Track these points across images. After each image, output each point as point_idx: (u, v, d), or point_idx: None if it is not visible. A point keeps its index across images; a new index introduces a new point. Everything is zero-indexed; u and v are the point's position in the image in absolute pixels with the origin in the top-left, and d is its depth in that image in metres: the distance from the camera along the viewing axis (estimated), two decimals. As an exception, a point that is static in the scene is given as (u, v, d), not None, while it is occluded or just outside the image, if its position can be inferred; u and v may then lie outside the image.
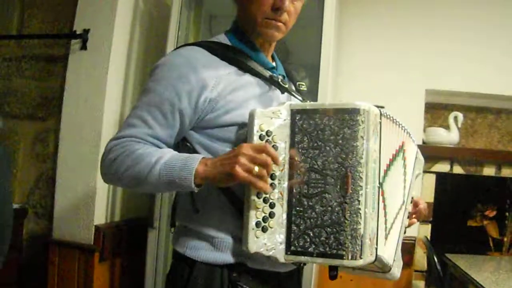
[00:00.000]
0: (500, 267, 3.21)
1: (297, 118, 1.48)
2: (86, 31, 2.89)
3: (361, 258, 1.41)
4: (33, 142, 3.06)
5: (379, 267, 1.58)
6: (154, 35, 3.35)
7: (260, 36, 1.66)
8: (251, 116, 1.45)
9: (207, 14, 3.31)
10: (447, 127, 3.70)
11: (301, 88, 1.84)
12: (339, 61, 3.66)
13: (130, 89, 3.13)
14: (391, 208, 1.59)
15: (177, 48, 1.69)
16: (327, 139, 1.45)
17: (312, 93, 2.71)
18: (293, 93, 1.72)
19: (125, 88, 3.08)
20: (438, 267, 3.13)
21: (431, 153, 3.68)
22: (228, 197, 1.53)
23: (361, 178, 1.43)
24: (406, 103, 3.54)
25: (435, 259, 3.15)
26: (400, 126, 1.66)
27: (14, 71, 3.16)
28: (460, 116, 3.69)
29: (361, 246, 1.41)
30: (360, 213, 1.42)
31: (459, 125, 3.70)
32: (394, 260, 1.62)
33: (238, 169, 1.34)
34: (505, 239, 3.82)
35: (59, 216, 2.86)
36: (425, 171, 3.71)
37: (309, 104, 1.52)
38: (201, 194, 1.50)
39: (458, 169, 3.72)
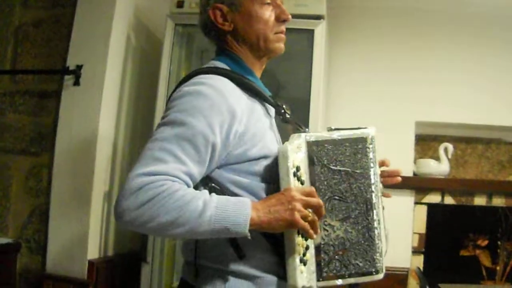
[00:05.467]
0: (493, 296, 3.22)
1: (314, 149, 1.50)
2: (79, 67, 2.93)
3: (382, 271, 1.55)
4: (26, 176, 3.06)
5: None
6: (146, 70, 3.39)
7: (268, 54, 1.64)
8: (285, 153, 1.42)
9: (199, 49, 3.34)
10: (437, 159, 3.73)
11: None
12: (329, 94, 3.69)
13: (122, 124, 3.16)
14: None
15: (195, 76, 1.51)
16: (345, 168, 1.52)
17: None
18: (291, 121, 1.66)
19: (118, 123, 3.11)
20: (432, 297, 3.14)
21: (422, 184, 3.73)
22: (263, 235, 1.46)
23: (377, 201, 1.55)
24: (396, 135, 3.56)
25: (428, 289, 3.16)
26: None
27: (8, 106, 3.16)
28: (450, 147, 3.71)
29: (382, 263, 1.55)
30: (380, 234, 1.54)
31: (449, 156, 3.72)
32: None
33: (297, 216, 1.34)
34: (498, 267, 3.82)
35: (52, 251, 2.86)
36: (416, 203, 3.74)
37: (322, 136, 1.54)
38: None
39: (449, 200, 3.75)
